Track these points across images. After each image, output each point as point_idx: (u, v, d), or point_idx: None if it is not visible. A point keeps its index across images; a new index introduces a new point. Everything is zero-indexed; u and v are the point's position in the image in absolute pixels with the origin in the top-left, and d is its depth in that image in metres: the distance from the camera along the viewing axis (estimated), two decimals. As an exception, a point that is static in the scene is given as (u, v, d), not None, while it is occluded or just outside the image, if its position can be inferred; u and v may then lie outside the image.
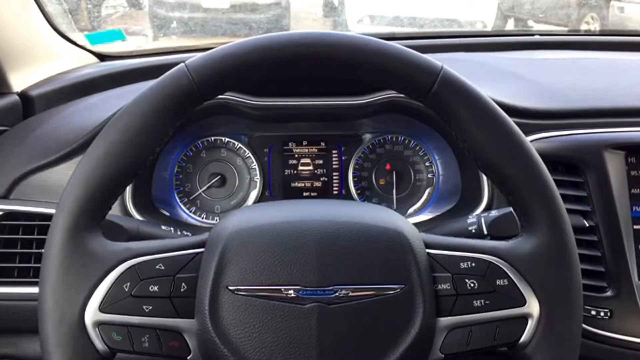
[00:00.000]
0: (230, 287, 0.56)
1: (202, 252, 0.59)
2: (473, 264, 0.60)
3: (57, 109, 1.04)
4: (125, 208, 0.90)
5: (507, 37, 1.46)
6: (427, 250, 0.60)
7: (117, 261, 0.57)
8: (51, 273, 0.55)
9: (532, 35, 1.47)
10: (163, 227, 0.76)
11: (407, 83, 0.59)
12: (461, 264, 0.60)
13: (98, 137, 0.58)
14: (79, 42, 1.28)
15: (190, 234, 0.75)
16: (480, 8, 4.62)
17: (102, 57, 1.32)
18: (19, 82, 1.05)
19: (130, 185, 0.89)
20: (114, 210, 0.87)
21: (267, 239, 0.58)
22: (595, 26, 4.33)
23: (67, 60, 1.21)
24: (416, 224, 0.67)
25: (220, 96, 0.92)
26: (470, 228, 0.75)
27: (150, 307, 0.57)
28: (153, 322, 0.57)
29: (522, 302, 0.59)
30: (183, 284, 0.58)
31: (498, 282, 0.59)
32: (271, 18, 4.22)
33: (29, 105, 1.05)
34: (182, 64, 0.58)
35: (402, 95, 0.94)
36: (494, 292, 0.59)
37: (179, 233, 0.77)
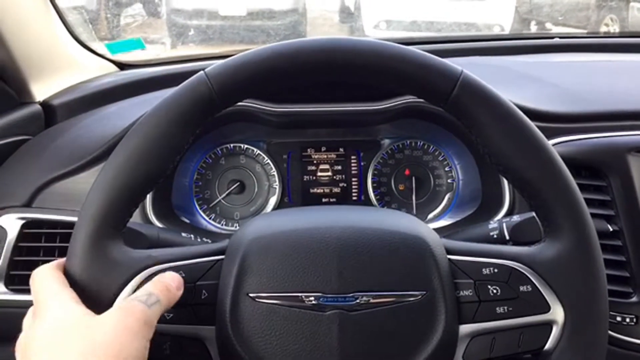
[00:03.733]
0: (251, 294, 0.56)
1: (222, 260, 0.59)
2: (495, 270, 0.59)
3: (78, 117, 1.05)
4: (146, 215, 0.90)
5: (526, 40, 1.44)
6: (449, 256, 0.59)
7: (138, 268, 0.57)
8: (74, 279, 0.55)
9: (552, 38, 1.46)
10: (183, 235, 0.76)
11: (426, 88, 0.59)
12: (483, 270, 0.59)
13: (119, 146, 0.58)
14: (99, 52, 1.29)
15: (209, 241, 0.75)
16: (498, 11, 4.59)
17: (122, 66, 1.33)
18: (41, 91, 1.06)
19: (151, 192, 0.89)
20: (135, 218, 0.87)
21: (287, 246, 0.58)
22: (614, 28, 4.29)
23: (88, 70, 1.23)
24: (436, 230, 0.66)
25: (239, 103, 0.92)
26: (491, 233, 0.74)
27: (172, 315, 0.57)
28: (174, 330, 0.57)
29: (546, 308, 0.57)
30: (204, 291, 0.58)
31: (521, 288, 0.58)
32: (288, 25, 4.25)
33: (51, 114, 1.06)
34: (202, 72, 0.58)
35: (420, 100, 0.93)
36: (517, 299, 0.58)
37: (198, 240, 0.77)
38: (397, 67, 0.58)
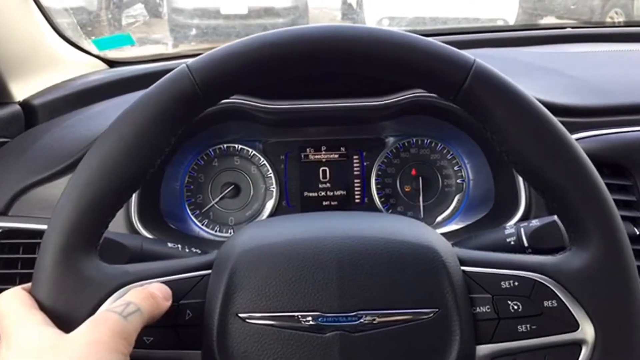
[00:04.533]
0: (241, 315, 0.51)
1: (209, 275, 0.54)
2: (516, 283, 0.54)
3: (60, 118, 1.00)
4: (131, 224, 0.85)
5: (537, 31, 1.41)
6: (463, 268, 0.54)
7: (114, 287, 0.52)
8: (42, 300, 0.50)
9: (564, 28, 1.41)
10: (169, 245, 0.71)
11: (435, 79, 0.54)
12: (502, 283, 0.54)
13: (92, 148, 0.53)
14: (88, 49, 1.24)
15: (199, 252, 0.70)
16: (502, 5, 4.59)
17: (111, 63, 1.28)
18: (21, 91, 1.02)
19: (137, 198, 0.85)
20: (119, 227, 0.82)
21: (280, 259, 0.53)
22: (619, 20, 4.26)
23: (76, 68, 1.18)
24: (446, 234, 0.62)
25: (231, 100, 0.88)
26: (508, 240, 0.69)
27: (152, 339, 0.52)
28: (155, 355, 0.52)
29: (574, 326, 0.52)
30: (188, 311, 0.53)
31: (545, 303, 0.53)
32: (288, 22, 4.27)
33: (32, 114, 1.01)
34: (183, 65, 0.53)
35: (427, 94, 0.88)
36: (541, 315, 0.53)
37: (187, 250, 0.72)
38: (401, 56, 0.53)
